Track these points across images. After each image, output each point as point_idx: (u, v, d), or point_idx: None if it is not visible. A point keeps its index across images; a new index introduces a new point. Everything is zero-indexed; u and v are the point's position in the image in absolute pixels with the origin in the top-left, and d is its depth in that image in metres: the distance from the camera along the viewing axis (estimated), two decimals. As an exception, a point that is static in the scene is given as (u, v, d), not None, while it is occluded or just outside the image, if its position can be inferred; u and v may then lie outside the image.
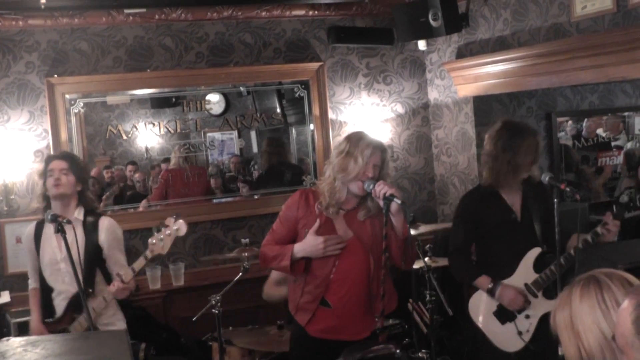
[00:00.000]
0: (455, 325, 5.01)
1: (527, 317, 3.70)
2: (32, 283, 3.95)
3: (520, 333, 3.68)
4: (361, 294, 3.31)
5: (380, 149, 3.32)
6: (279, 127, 5.68)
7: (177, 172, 5.38)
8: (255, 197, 5.53)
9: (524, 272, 3.72)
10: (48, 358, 2.15)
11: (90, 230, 3.78)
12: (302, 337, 3.37)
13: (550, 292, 3.71)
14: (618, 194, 5.89)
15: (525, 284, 3.71)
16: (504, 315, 3.71)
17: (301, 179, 5.65)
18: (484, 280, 3.72)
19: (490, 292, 3.69)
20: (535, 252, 3.74)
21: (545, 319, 3.70)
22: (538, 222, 3.77)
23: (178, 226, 3.70)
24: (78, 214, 3.79)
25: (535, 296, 3.70)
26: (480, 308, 3.76)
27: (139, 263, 3.68)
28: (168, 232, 3.69)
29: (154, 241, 3.68)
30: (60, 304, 3.76)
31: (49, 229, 3.79)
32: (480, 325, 3.75)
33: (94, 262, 3.75)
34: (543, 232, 3.78)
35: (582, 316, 1.83)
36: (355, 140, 3.32)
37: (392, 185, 3.19)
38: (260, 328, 4.32)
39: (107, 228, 3.84)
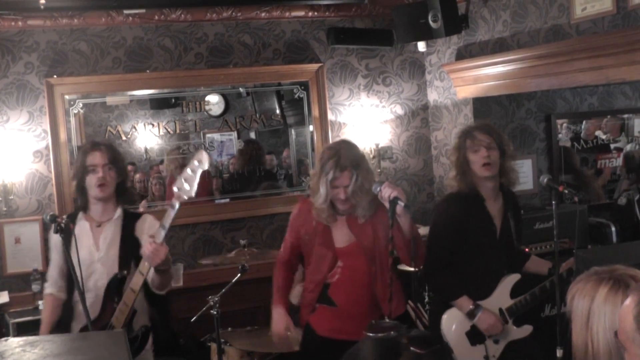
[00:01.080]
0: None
1: (496, 342, 3.67)
2: (49, 287, 3.60)
3: (487, 357, 3.65)
4: (365, 297, 3.37)
5: (346, 169, 3.25)
6: (278, 128, 5.67)
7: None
8: (227, 200, 5.49)
9: (500, 297, 3.68)
10: (47, 358, 2.14)
11: (129, 225, 3.50)
12: (310, 335, 3.47)
13: (519, 320, 3.69)
14: (617, 195, 5.89)
15: (500, 309, 3.69)
16: (475, 336, 3.67)
17: (274, 185, 5.63)
18: (464, 302, 3.62)
19: (470, 315, 3.61)
20: (514, 277, 3.70)
21: (511, 346, 3.69)
22: (515, 238, 3.74)
23: (199, 159, 3.21)
24: (118, 214, 3.53)
25: (507, 322, 3.68)
26: (454, 325, 3.68)
27: (168, 217, 3.22)
28: (190, 170, 3.21)
29: (179, 187, 3.23)
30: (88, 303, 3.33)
31: (83, 225, 3.54)
32: (449, 342, 3.69)
33: (129, 255, 3.44)
34: (517, 250, 3.77)
35: (600, 316, 1.82)
36: (325, 160, 3.29)
37: (397, 186, 3.19)
38: (259, 329, 4.32)
39: (150, 224, 3.54)
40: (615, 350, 1.77)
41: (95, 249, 3.51)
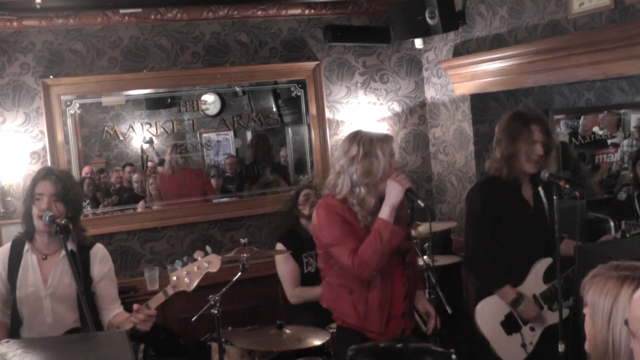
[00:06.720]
0: (454, 324, 5.00)
1: (532, 329, 3.67)
2: None
3: (524, 345, 3.65)
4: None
5: (391, 140, 3.30)
6: (276, 127, 5.66)
7: (173, 174, 5.36)
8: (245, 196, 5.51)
9: (534, 283, 3.67)
10: (49, 360, 2.14)
11: (83, 259, 3.24)
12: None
13: (553, 304, 3.68)
14: (617, 190, 5.89)
15: (534, 295, 3.68)
16: (510, 325, 3.67)
17: (285, 180, 5.62)
18: (508, 291, 3.62)
19: (514, 305, 3.62)
20: (546, 262, 3.69)
21: (548, 332, 3.68)
22: (549, 221, 3.71)
23: (210, 260, 3.31)
24: (70, 246, 3.17)
25: (542, 308, 3.66)
26: (488, 316, 3.68)
27: (157, 299, 3.26)
28: (196, 267, 3.29)
29: (178, 277, 3.28)
30: None
31: (30, 256, 3.34)
32: (485, 333, 3.69)
33: (87, 294, 3.23)
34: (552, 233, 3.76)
35: (624, 316, 1.79)
36: (367, 139, 3.21)
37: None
38: (260, 328, 4.31)
39: (102, 258, 3.45)
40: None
41: (42, 284, 3.32)
